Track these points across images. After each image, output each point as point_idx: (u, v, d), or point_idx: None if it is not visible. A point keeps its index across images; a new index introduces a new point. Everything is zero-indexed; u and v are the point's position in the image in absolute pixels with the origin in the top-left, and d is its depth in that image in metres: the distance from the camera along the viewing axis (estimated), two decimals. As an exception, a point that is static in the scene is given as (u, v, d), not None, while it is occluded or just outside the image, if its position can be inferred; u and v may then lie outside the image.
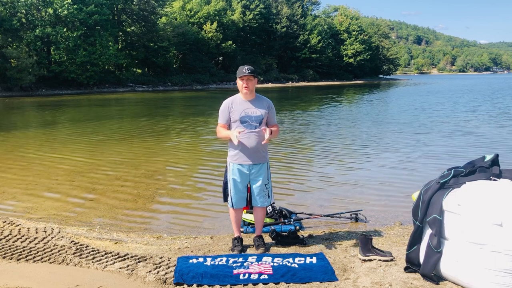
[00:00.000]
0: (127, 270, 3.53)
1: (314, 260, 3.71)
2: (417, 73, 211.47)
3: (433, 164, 8.29)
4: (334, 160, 9.09)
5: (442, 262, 3.20)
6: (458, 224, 3.10)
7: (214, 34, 60.09)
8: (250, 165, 3.99)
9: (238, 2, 67.75)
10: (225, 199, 4.20)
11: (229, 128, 4.02)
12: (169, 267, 3.59)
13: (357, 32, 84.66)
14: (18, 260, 3.76)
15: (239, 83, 3.98)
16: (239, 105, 3.99)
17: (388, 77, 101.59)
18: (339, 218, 5.17)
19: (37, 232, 4.51)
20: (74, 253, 3.91)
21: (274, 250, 4.06)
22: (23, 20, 43.00)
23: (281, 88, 53.53)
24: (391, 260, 3.68)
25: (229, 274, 3.45)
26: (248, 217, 4.72)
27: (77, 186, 6.91)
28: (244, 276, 3.41)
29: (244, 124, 3.93)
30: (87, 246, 4.13)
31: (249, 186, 4.12)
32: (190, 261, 3.71)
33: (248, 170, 4.01)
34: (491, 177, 3.31)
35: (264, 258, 3.76)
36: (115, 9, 52.59)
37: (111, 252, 3.94)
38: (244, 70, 3.93)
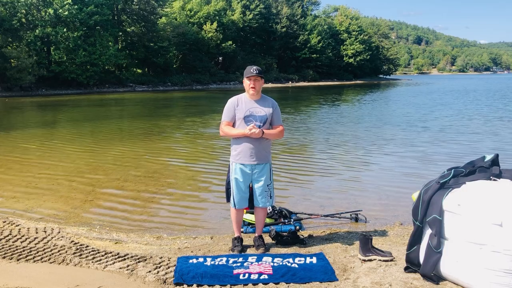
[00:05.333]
0: (127, 270, 3.53)
1: (314, 260, 3.71)
2: (417, 73, 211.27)
3: (432, 164, 8.29)
4: (334, 160, 9.09)
5: (442, 262, 3.20)
6: (458, 224, 3.10)
7: (214, 34, 60.06)
8: (252, 165, 3.99)
9: (238, 2, 67.73)
10: (228, 199, 4.20)
11: (233, 126, 4.03)
12: (169, 267, 3.59)
13: (357, 32, 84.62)
14: (18, 260, 3.76)
15: (246, 82, 3.99)
16: (244, 104, 4.00)
17: (388, 77, 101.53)
18: (339, 218, 5.17)
19: (37, 232, 4.51)
20: (74, 253, 3.91)
21: (274, 250, 4.06)
22: (23, 20, 42.97)
23: (281, 88, 53.51)
24: (391, 260, 3.68)
25: (229, 274, 3.45)
26: (248, 217, 4.72)
27: (77, 186, 6.91)
28: (244, 276, 3.41)
29: (248, 123, 3.93)
30: (87, 246, 4.13)
31: (251, 186, 4.12)
32: (190, 261, 3.71)
33: (251, 170, 4.01)
34: (491, 177, 3.30)
35: (264, 258, 3.76)
36: (115, 9, 52.57)
37: (111, 252, 3.94)
38: (252, 71, 3.94)
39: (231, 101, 4.04)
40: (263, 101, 4.05)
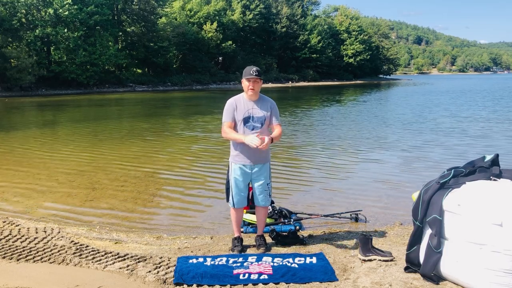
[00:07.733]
0: (127, 270, 3.53)
1: (314, 260, 3.71)
2: (417, 73, 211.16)
3: (432, 164, 8.29)
4: (334, 160, 9.09)
5: (442, 262, 3.20)
6: (458, 224, 3.10)
7: (214, 34, 60.08)
8: (252, 165, 4.01)
9: (238, 2, 67.76)
10: (228, 199, 4.21)
11: (234, 127, 4.02)
12: (169, 267, 3.59)
13: (357, 32, 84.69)
14: (18, 260, 3.76)
15: (245, 83, 3.98)
16: (243, 105, 3.99)
17: (388, 77, 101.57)
18: (339, 218, 5.17)
19: (37, 232, 4.51)
20: (74, 253, 3.91)
21: (274, 250, 4.06)
22: (23, 20, 43.00)
23: (281, 88, 53.51)
24: (391, 260, 3.67)
25: (229, 274, 3.45)
26: (248, 217, 4.72)
27: (77, 186, 6.92)
28: (244, 276, 3.41)
29: (247, 124, 3.95)
30: (87, 246, 4.13)
31: (250, 186, 4.12)
32: (190, 261, 3.71)
33: (250, 169, 4.02)
34: (491, 177, 3.30)
35: (264, 258, 3.76)
36: (115, 9, 52.63)
37: (111, 252, 3.94)
38: (251, 72, 3.93)
39: (230, 103, 4.04)
40: (261, 102, 4.05)
